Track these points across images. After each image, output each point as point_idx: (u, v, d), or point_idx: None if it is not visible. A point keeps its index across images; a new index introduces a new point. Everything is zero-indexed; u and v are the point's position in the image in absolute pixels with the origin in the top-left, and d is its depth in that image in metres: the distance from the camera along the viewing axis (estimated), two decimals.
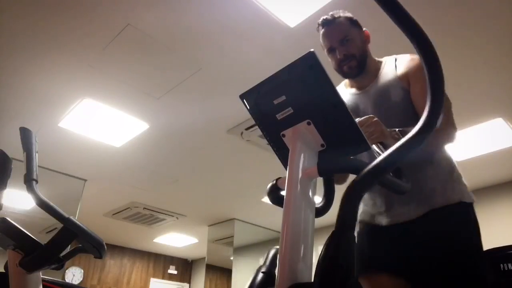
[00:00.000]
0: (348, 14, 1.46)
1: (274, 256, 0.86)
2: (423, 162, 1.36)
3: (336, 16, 1.44)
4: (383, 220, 1.40)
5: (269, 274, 0.84)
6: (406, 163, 1.34)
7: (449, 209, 1.31)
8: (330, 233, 0.63)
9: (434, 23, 2.47)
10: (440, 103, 0.64)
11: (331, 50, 1.45)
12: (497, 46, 2.67)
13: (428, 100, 0.64)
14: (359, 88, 1.49)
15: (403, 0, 0.63)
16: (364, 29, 1.48)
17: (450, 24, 2.50)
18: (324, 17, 1.45)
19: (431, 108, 0.64)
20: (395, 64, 1.43)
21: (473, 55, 2.75)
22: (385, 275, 1.34)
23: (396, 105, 1.38)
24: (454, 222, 1.30)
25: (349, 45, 1.42)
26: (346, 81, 1.56)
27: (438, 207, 1.31)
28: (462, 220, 1.31)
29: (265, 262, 0.87)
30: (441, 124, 1.22)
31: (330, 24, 1.43)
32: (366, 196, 1.49)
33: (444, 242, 1.27)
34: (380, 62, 1.49)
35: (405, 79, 1.38)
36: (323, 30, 1.45)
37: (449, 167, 1.39)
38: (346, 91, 1.54)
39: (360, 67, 1.44)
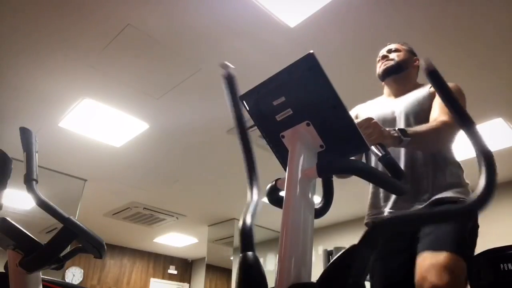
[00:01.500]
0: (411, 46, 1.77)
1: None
2: (430, 166, 1.47)
3: (401, 43, 1.75)
4: (385, 213, 1.50)
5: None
6: (413, 165, 1.42)
7: (448, 200, 1.40)
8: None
9: (434, 23, 2.48)
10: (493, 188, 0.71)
11: (382, 58, 1.71)
12: (497, 46, 2.67)
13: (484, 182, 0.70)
14: (395, 96, 1.70)
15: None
16: (416, 57, 1.75)
17: (449, 24, 2.50)
18: None
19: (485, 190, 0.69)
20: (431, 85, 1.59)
21: (473, 55, 2.75)
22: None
23: (422, 111, 1.56)
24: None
25: (394, 53, 1.70)
26: (386, 91, 1.77)
27: (437, 198, 1.42)
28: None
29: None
30: (447, 123, 1.31)
31: (391, 42, 1.76)
32: (371, 192, 1.62)
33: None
34: (421, 84, 1.69)
35: (433, 95, 1.57)
36: None
37: (456, 173, 1.50)
38: (384, 99, 1.74)
39: (390, 70, 1.67)
